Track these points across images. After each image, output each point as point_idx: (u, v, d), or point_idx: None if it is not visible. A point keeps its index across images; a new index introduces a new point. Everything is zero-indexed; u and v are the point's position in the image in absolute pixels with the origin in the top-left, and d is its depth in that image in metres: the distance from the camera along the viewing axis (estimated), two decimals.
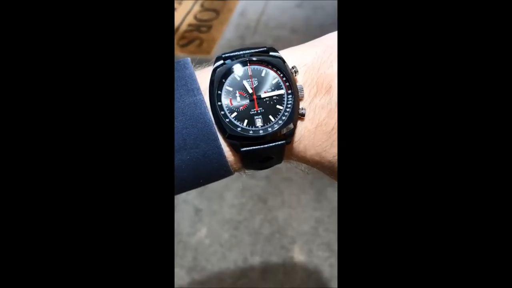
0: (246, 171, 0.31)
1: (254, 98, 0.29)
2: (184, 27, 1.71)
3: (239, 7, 1.77)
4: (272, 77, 0.29)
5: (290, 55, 0.30)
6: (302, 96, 0.29)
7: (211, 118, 0.28)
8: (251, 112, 0.28)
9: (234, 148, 0.28)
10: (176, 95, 0.28)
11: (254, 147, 0.28)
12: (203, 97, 0.28)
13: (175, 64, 0.29)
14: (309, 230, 1.02)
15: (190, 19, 1.76)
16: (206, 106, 0.28)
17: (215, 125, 0.28)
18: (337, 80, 0.28)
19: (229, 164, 0.29)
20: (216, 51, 1.57)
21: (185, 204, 1.08)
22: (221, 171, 0.29)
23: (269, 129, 0.28)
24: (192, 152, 0.27)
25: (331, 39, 0.30)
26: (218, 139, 0.28)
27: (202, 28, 1.70)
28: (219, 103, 0.28)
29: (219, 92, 0.28)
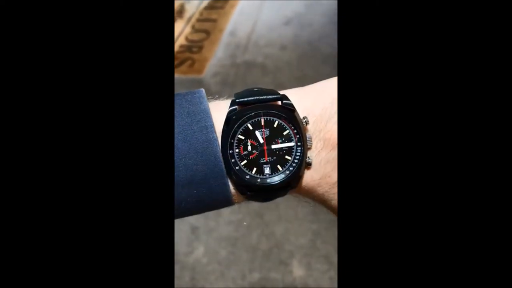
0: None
1: (265, 148, 0.30)
2: (176, 48, 1.74)
3: (229, 27, 1.80)
4: (283, 129, 0.30)
5: (300, 102, 0.30)
6: (311, 146, 0.30)
7: (221, 156, 0.29)
8: (260, 161, 0.30)
9: (240, 191, 0.30)
10: (189, 131, 0.28)
11: (259, 192, 0.30)
12: (216, 136, 0.29)
13: (190, 96, 0.29)
14: (307, 244, 1.01)
15: (181, 40, 1.78)
16: (218, 145, 0.29)
17: (224, 164, 0.29)
18: (337, 137, 0.29)
19: (233, 198, 0.30)
20: (208, 70, 1.59)
21: (181, 222, 1.07)
22: (224, 203, 0.31)
23: (277, 178, 0.29)
24: (199, 187, 0.29)
25: (336, 90, 0.30)
26: (226, 176, 0.29)
27: (194, 48, 1.73)
28: (230, 151, 0.29)
29: (231, 140, 0.29)
